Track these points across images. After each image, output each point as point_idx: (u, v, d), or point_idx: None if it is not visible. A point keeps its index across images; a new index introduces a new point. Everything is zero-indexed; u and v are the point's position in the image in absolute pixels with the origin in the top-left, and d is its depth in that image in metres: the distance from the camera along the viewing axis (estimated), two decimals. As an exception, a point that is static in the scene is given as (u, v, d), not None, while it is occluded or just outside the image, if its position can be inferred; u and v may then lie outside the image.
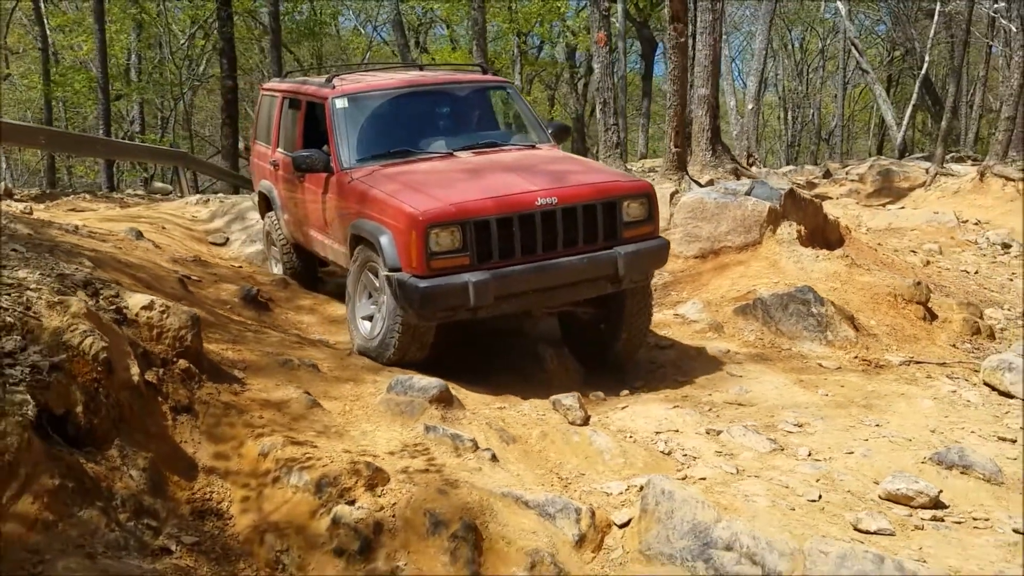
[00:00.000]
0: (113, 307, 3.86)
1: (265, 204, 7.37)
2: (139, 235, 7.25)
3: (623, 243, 5.12)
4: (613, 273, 5.05)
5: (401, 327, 4.94)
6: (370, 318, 5.32)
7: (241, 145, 22.84)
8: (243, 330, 5.24)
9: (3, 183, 13.63)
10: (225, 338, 4.81)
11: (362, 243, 5.25)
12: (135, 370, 3.52)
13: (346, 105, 5.89)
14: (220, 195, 12.95)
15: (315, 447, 3.63)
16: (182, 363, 3.87)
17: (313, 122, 6.33)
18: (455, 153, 5.76)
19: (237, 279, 6.80)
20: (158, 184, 19.37)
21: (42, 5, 21.39)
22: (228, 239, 8.67)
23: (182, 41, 23.43)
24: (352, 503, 3.33)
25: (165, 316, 3.93)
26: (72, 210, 10.08)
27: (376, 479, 3.45)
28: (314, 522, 3.29)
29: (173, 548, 3.07)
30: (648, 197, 5.28)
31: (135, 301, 3.97)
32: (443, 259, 4.74)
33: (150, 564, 2.87)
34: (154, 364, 3.75)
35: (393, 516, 3.31)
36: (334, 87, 6.04)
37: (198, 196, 12.16)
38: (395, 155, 5.69)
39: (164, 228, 8.37)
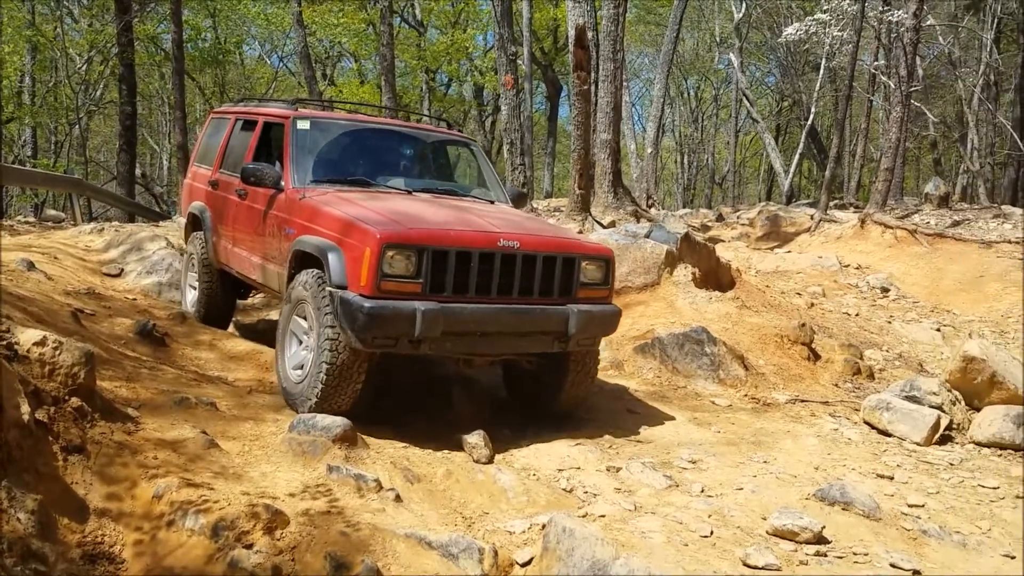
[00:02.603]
0: (4, 342, 3.71)
1: (192, 226, 7.02)
2: (31, 265, 6.98)
3: (577, 302, 4.99)
4: (563, 331, 4.89)
5: (331, 357, 4.59)
6: (301, 343, 5.00)
7: (138, 172, 22.21)
8: (138, 367, 5.09)
9: None
10: (119, 375, 4.67)
11: (306, 262, 4.96)
12: (25, 408, 3.39)
13: (307, 127, 5.79)
14: (115, 223, 12.53)
15: (212, 489, 3.56)
16: (74, 401, 3.74)
17: (265, 145, 6.15)
18: (413, 193, 5.64)
19: (132, 313, 6.61)
20: (51, 212, 18.57)
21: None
22: (123, 270, 8.41)
23: (79, 65, 22.61)
24: (250, 547, 3.27)
25: (58, 352, 3.80)
26: (-46, 237, 9.59)
27: (275, 522, 3.40)
28: (210, 567, 3.22)
29: (61, 595, 2.97)
30: (607, 262, 5.17)
31: (27, 337, 3.82)
32: (394, 282, 4.48)
33: (36, 613, 2.77)
34: (45, 402, 3.62)
35: (292, 560, 3.28)
36: (297, 110, 6.01)
37: (92, 224, 11.75)
38: (351, 183, 5.56)
39: (57, 258, 8.06)
